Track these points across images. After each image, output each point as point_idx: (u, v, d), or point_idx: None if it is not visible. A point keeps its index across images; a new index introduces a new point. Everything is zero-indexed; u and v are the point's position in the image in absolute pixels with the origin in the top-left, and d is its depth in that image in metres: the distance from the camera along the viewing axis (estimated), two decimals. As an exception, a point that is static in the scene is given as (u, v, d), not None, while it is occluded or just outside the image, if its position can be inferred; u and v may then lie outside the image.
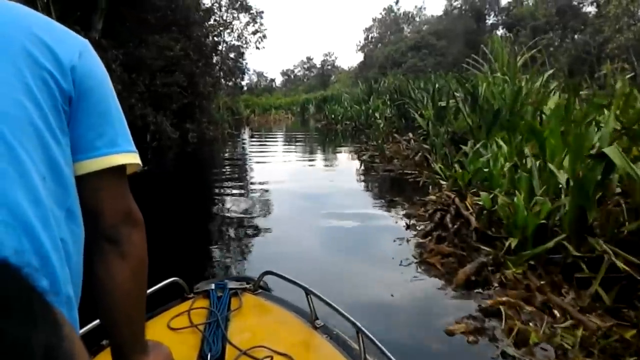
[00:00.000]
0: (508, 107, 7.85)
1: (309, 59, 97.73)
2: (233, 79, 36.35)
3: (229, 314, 1.67)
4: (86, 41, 0.78)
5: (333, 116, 24.73)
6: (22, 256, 0.25)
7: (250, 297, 1.82)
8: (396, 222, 5.42)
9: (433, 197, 5.72)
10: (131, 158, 0.79)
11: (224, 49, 35.55)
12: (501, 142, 6.08)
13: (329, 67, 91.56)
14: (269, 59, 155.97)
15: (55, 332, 0.28)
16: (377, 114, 18.44)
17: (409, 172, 8.35)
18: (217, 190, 8.34)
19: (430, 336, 2.88)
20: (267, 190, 7.88)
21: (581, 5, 36.34)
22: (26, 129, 0.65)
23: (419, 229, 4.80)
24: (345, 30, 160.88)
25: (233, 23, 38.70)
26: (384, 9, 62.33)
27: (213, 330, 1.55)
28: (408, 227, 5.06)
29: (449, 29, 43.86)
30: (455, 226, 4.44)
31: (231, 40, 36.15)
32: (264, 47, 36.46)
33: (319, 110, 45.80)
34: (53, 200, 0.68)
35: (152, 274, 0.89)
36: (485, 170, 5.43)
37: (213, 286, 1.84)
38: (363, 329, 1.42)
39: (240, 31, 36.87)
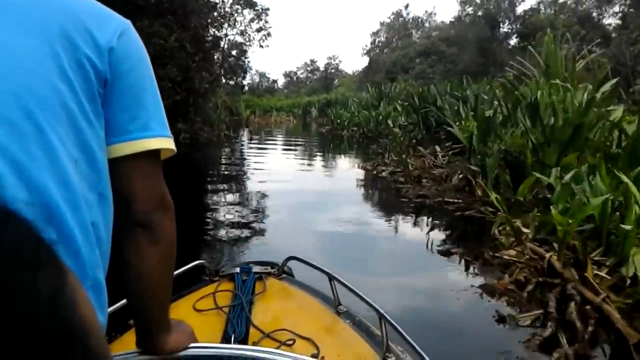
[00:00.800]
0: (575, 121, 6.04)
1: (312, 61, 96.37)
2: (234, 78, 34.61)
3: (253, 297, 1.69)
4: (127, 22, 0.77)
5: (339, 121, 22.88)
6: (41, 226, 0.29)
7: (274, 282, 1.85)
8: (478, 304, 3.39)
9: (513, 253, 3.87)
10: (165, 143, 0.78)
11: (226, 45, 33.85)
12: (601, 172, 4.26)
13: (333, 70, 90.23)
14: (271, 59, 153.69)
15: (60, 277, 0.30)
16: (389, 121, 16.62)
17: (450, 200, 6.50)
18: (206, 208, 6.43)
19: None
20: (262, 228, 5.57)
21: (601, 17, 34.68)
22: (59, 112, 0.65)
23: (521, 321, 2.89)
24: (350, 34, 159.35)
25: (237, 19, 37.11)
26: (393, 13, 60.82)
27: (237, 312, 1.58)
28: (501, 319, 3.07)
29: (461, 36, 42.15)
30: (590, 328, 2.59)
31: (234, 37, 34.45)
32: (267, 46, 34.67)
33: (321, 113, 44.07)
34: (86, 184, 0.68)
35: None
36: (595, 212, 3.62)
37: (238, 270, 1.87)
38: (386, 315, 1.40)
39: (244, 28, 35.20)
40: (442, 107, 11.46)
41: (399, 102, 21.07)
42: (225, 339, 1.43)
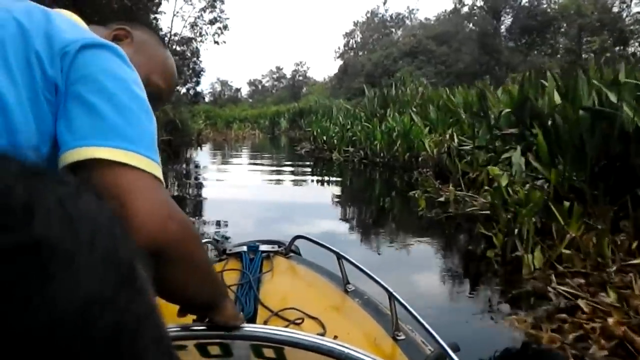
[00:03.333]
0: None
1: (278, 68, 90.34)
2: (181, 83, 27.21)
3: (260, 276, 1.67)
4: (103, 42, 0.75)
5: (324, 138, 15.84)
6: None
7: (282, 260, 1.84)
8: None
9: None
10: (110, 153, 0.69)
11: (167, 38, 26.55)
12: None
13: (301, 77, 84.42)
14: (234, 67, 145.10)
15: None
16: (429, 143, 9.86)
17: None
18: None
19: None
20: None
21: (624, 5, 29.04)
22: None
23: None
24: (318, 38, 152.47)
25: (183, 8, 29.54)
26: (368, 11, 54.44)
27: (245, 291, 1.56)
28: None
29: (457, 32, 36.10)
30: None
31: (181, 31, 27.11)
32: (224, 42, 27.19)
33: (292, 125, 37.16)
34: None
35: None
36: None
37: (245, 248, 1.85)
38: (395, 294, 1.39)
39: (193, 19, 28.02)
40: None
41: (414, 109, 14.36)
42: None
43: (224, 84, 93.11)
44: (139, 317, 0.23)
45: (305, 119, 35.06)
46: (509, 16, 33.02)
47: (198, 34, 27.64)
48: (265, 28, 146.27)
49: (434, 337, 1.19)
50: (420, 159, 11.26)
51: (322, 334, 1.30)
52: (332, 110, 22.07)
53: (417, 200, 7.15)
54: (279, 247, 1.89)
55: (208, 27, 28.22)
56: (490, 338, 3.01)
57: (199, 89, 34.54)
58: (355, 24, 55.33)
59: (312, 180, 11.17)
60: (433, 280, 4.23)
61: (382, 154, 12.77)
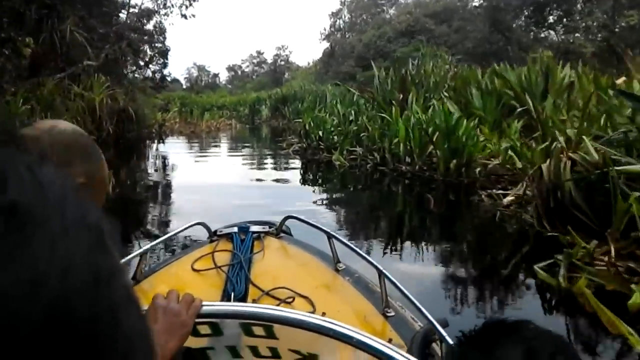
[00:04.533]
0: None
1: (259, 52, 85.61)
2: (139, 64, 22.70)
3: (251, 257, 1.69)
4: None
5: (321, 133, 11.57)
6: None
7: (273, 240, 1.85)
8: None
9: None
10: None
11: (124, 10, 21.98)
12: None
13: (282, 62, 79.84)
14: (212, 51, 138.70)
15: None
16: (495, 146, 5.84)
17: None
18: None
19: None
20: None
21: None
22: None
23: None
24: (301, 21, 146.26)
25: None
26: (356, -12, 49.99)
27: (236, 271, 1.57)
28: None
29: (457, 9, 32.06)
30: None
31: (141, 2, 22.52)
32: (193, 16, 22.17)
33: (275, 113, 32.95)
34: None
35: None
36: None
37: (236, 229, 1.85)
38: (385, 271, 1.41)
39: (156, -12, 23.43)
40: None
41: (445, 94, 10.36)
42: (226, 297, 1.45)
43: (201, 69, 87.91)
44: (110, 276, 0.24)
45: (290, 107, 30.91)
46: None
47: (162, 6, 23.18)
48: (244, 10, 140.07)
49: (423, 313, 1.25)
50: (478, 170, 7.31)
51: (312, 312, 1.33)
52: (325, 96, 17.82)
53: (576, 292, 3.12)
54: (270, 227, 1.91)
55: (173, -2, 23.71)
56: None
57: (165, 72, 30.14)
58: (343, 3, 50.88)
59: (311, 202, 7.05)
60: None
61: (409, 159, 8.73)
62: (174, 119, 22.37)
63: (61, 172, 0.26)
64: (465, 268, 4.28)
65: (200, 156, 14.15)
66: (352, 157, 10.37)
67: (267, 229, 1.89)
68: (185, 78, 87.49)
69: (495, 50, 25.91)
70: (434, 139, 8.00)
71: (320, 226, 1.71)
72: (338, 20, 51.01)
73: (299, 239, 1.91)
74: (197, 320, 0.95)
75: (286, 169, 10.83)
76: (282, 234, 1.90)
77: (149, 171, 11.65)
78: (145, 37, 22.90)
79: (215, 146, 17.40)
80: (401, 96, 10.68)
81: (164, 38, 27.62)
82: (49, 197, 0.23)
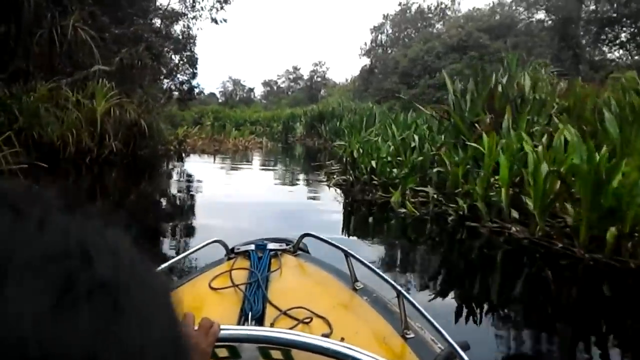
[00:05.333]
0: None
1: (295, 68, 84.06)
2: (164, 71, 20.36)
3: (269, 275, 1.68)
4: None
5: (374, 164, 8.51)
6: None
7: (290, 258, 1.84)
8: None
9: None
10: None
11: (151, 16, 19.75)
12: None
13: (319, 79, 78.06)
14: (248, 65, 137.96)
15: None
16: None
17: None
18: None
19: None
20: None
21: None
22: None
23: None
24: (338, 37, 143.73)
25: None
26: (401, 2, 47.18)
27: (254, 290, 1.57)
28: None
29: (514, 24, 28.80)
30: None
31: (168, 3, 20.23)
32: (224, 21, 19.62)
33: (310, 131, 30.29)
34: None
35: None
36: None
37: (253, 247, 1.86)
38: (404, 292, 1.40)
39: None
40: None
41: (556, 117, 7.36)
42: (243, 317, 1.44)
43: (236, 83, 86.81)
44: (180, 341, 0.25)
45: (328, 125, 28.21)
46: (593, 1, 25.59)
47: (190, 8, 20.90)
48: (281, 25, 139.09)
49: (443, 335, 1.21)
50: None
51: (330, 334, 1.33)
52: (372, 115, 14.87)
53: None
54: (287, 245, 1.91)
55: (204, 1, 21.44)
56: None
57: (194, 82, 27.85)
58: (385, 17, 48.20)
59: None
60: None
61: (518, 215, 5.67)
62: (197, 134, 19.80)
63: (123, 234, 0.26)
64: None
65: (218, 181, 11.44)
66: (419, 199, 7.38)
67: (284, 246, 1.89)
68: (220, 92, 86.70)
69: (566, 68, 22.58)
70: (572, 189, 4.95)
71: (338, 244, 1.68)
72: (380, 35, 48.31)
73: (316, 257, 1.90)
74: (216, 343, 0.90)
75: (324, 211, 7.94)
76: (299, 252, 1.89)
77: (158, 197, 9.01)
78: (170, 43, 20.62)
79: (239, 168, 14.69)
80: (490, 117, 7.66)
81: (193, 45, 25.46)
82: (128, 268, 0.24)
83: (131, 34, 15.63)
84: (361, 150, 9.26)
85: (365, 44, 48.08)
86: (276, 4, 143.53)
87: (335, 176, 10.24)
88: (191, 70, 26.87)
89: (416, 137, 9.10)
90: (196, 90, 27.16)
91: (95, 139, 11.60)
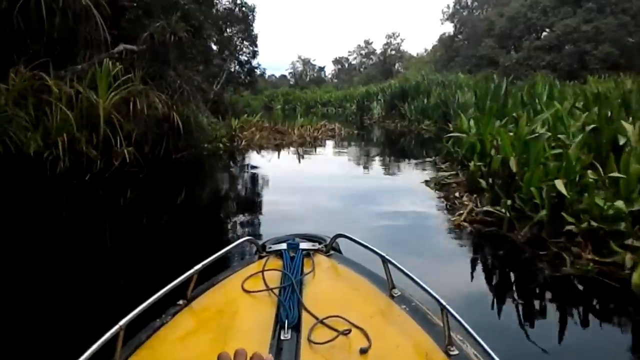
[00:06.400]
0: None
1: (367, 42, 79.73)
2: (215, 50, 16.77)
3: (302, 278, 1.65)
4: None
5: (562, 188, 4.28)
6: None
7: (323, 259, 1.80)
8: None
9: None
10: None
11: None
12: None
13: (393, 52, 73.12)
14: (317, 44, 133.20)
15: None
16: None
17: None
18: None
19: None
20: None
21: None
22: None
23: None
24: (412, 5, 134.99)
25: None
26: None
27: (288, 294, 1.53)
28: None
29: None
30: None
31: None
32: None
33: (390, 112, 25.87)
34: None
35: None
36: None
37: (285, 246, 1.83)
38: (448, 307, 1.31)
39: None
40: None
41: None
42: (279, 324, 1.41)
43: (306, 62, 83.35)
44: None
45: (412, 103, 23.65)
46: None
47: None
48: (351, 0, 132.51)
49: (489, 354, 1.16)
50: None
51: (369, 347, 1.29)
52: (498, 90, 10.22)
53: None
54: (319, 244, 1.87)
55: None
56: None
57: (254, 62, 24.28)
58: (470, -25, 41.95)
59: None
60: None
61: None
62: (259, 123, 16.07)
63: None
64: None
65: (277, 188, 7.61)
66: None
67: (316, 246, 1.85)
68: (290, 73, 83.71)
69: None
70: None
71: (374, 248, 1.63)
72: (464, -4, 42.19)
73: (350, 258, 1.84)
74: None
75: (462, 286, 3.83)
76: (332, 252, 1.85)
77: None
78: (221, 15, 16.99)
79: (295, 177, 10.71)
80: None
81: (251, 18, 21.80)
82: None
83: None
84: (506, 147, 4.94)
85: (448, 6, 42.22)
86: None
87: (457, 199, 5.96)
88: (251, 48, 23.31)
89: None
90: (257, 72, 23.51)
91: (99, 145, 8.17)
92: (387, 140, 18.15)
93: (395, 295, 1.55)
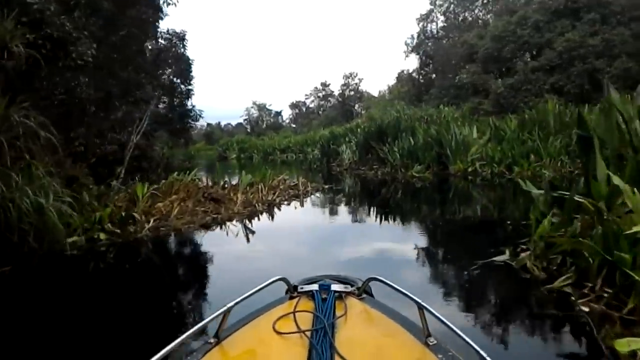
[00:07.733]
0: None
1: (324, 85, 76.35)
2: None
3: (335, 322, 1.59)
4: None
5: None
6: None
7: (355, 302, 1.74)
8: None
9: None
10: None
11: None
12: None
13: (352, 92, 69.84)
14: (273, 89, 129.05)
15: None
16: None
17: None
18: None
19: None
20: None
21: None
22: None
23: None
24: (368, 45, 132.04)
25: None
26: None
27: (320, 338, 1.47)
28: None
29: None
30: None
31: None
32: (177, 1, 9.24)
33: (365, 156, 20.71)
34: None
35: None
36: None
37: (317, 287, 1.77)
38: (488, 358, 1.22)
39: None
40: None
41: None
42: None
43: (261, 108, 78.67)
44: None
45: (394, 144, 18.65)
46: None
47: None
48: (306, 41, 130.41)
49: None
50: None
51: None
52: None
53: None
54: (351, 286, 1.81)
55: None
56: None
57: (189, 103, 18.72)
58: (433, 2, 38.38)
59: None
60: None
61: None
62: (182, 189, 10.31)
63: None
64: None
65: None
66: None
67: (348, 288, 1.79)
68: (245, 120, 78.77)
69: None
70: None
71: (409, 294, 1.55)
72: (429, 25, 38.54)
73: (382, 302, 1.77)
74: None
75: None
76: (364, 295, 1.79)
77: None
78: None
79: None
80: None
81: (181, 47, 16.49)
82: None
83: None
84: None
85: (412, 36, 38.41)
86: (296, 22, 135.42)
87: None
88: (184, 87, 17.80)
89: None
90: (192, 115, 17.94)
91: None
92: (375, 200, 12.74)
93: (430, 343, 1.45)
